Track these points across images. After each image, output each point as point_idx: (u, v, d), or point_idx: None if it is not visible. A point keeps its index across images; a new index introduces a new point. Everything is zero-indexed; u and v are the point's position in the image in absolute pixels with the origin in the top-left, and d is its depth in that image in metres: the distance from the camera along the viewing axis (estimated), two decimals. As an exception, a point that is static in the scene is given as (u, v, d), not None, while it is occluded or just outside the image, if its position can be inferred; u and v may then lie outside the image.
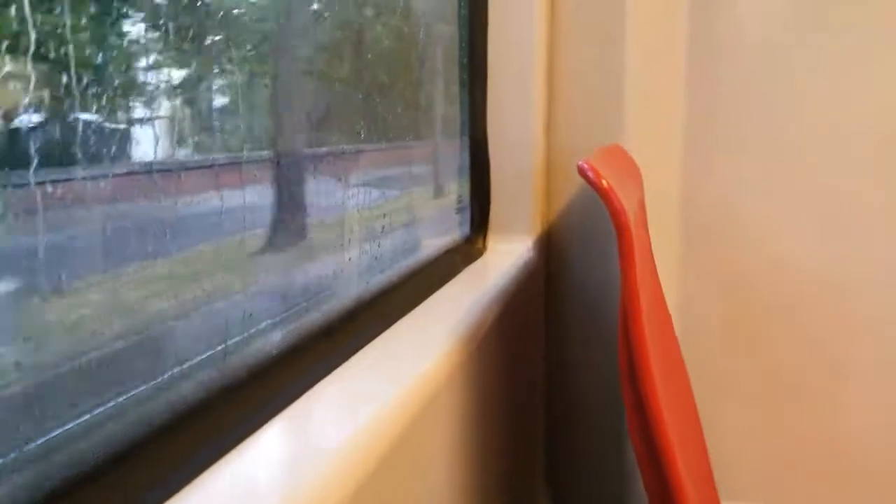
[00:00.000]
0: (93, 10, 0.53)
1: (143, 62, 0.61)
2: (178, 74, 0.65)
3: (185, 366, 0.62)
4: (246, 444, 0.58)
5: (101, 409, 0.55)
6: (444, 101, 1.47)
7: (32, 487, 0.47)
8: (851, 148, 1.45)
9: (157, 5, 0.63)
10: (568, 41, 1.44)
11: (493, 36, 1.41)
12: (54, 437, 0.50)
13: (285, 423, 0.63)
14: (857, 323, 1.49)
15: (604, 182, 0.70)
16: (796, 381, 1.51)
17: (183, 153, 0.66)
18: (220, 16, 0.71)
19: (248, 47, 0.78)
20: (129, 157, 0.58)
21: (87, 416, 0.53)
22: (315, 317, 0.85)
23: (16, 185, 0.46)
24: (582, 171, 0.71)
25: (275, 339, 0.74)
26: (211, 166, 0.68)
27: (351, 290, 0.93)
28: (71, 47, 0.48)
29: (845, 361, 1.50)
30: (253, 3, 0.83)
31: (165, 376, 0.60)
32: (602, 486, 1.48)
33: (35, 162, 0.46)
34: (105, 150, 0.53)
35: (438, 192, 1.48)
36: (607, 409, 1.44)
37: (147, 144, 0.60)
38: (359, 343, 0.83)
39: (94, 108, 0.52)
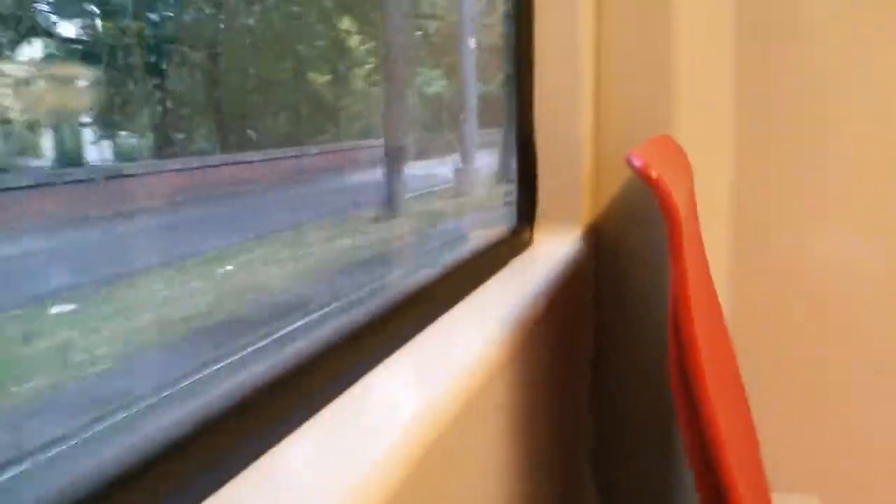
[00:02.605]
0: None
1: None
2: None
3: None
4: (298, 432, 0.60)
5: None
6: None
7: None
8: None
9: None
10: (615, 31, 1.43)
11: (540, 27, 1.40)
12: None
13: (338, 413, 0.64)
14: None
15: (652, 173, 0.69)
16: (846, 375, 1.48)
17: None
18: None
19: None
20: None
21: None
22: (364, 309, 0.86)
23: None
24: (630, 162, 0.71)
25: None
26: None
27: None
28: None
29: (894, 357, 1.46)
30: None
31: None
32: (649, 478, 1.47)
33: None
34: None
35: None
36: (655, 403, 1.42)
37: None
38: (407, 334, 0.83)
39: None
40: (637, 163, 0.70)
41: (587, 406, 1.48)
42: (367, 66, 1.02)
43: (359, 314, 0.82)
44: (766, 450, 1.31)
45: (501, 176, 1.51)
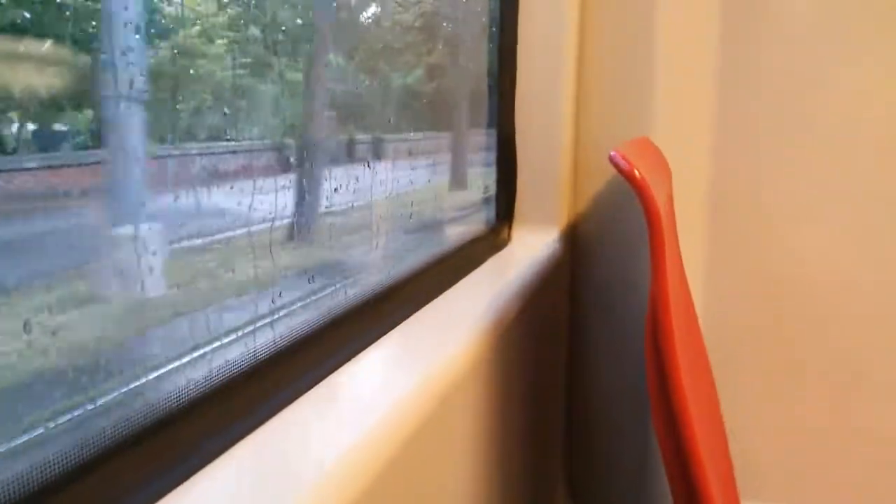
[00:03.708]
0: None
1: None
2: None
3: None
4: (264, 427, 0.58)
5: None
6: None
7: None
8: (889, 149, 1.42)
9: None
10: (598, 33, 1.43)
11: (524, 27, 1.39)
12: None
13: (305, 408, 0.63)
14: (883, 325, 1.46)
15: (636, 172, 0.68)
16: (820, 380, 1.49)
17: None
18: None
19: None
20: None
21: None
22: (338, 301, 0.84)
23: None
24: (614, 161, 0.70)
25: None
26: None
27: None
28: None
29: (869, 362, 1.47)
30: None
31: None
32: (621, 480, 1.47)
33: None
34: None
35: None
36: (629, 405, 1.42)
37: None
38: (382, 330, 0.82)
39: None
40: (621, 162, 0.69)
41: (561, 407, 1.48)
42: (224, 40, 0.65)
43: (330, 310, 0.81)
44: (734, 455, 1.32)
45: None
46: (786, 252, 1.47)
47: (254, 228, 0.64)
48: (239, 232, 0.63)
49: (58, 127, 0.52)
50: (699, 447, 0.69)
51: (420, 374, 0.72)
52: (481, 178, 1.40)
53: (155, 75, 0.58)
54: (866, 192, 1.43)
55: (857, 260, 1.45)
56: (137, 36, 0.55)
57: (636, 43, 1.40)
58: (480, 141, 1.42)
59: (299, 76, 0.83)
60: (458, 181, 1.22)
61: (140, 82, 0.56)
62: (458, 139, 1.30)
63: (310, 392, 0.65)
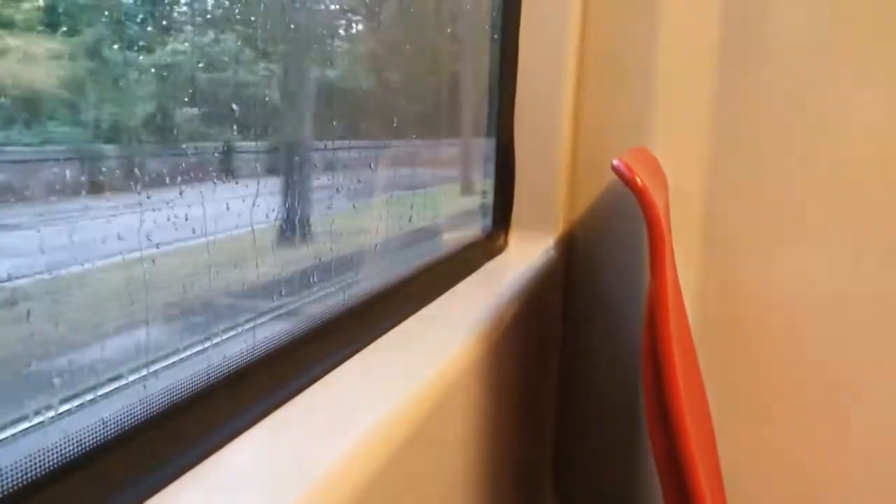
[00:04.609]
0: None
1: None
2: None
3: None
4: (255, 428, 0.58)
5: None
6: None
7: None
8: (887, 167, 1.42)
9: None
10: (598, 42, 1.43)
11: (525, 34, 1.40)
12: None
13: (296, 411, 0.62)
14: (876, 345, 1.47)
15: (638, 180, 0.68)
16: (810, 396, 1.49)
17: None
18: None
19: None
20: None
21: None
22: (332, 304, 0.84)
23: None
24: (616, 169, 0.70)
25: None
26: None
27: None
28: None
29: (860, 381, 1.48)
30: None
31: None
32: (611, 486, 1.47)
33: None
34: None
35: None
36: (622, 412, 1.42)
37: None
38: (375, 333, 0.82)
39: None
40: (624, 170, 0.69)
41: (552, 416, 1.47)
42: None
43: (322, 312, 0.80)
44: (723, 466, 1.32)
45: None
46: (781, 266, 1.48)
47: None
48: None
49: None
50: (692, 446, 0.68)
51: (413, 379, 0.71)
52: (367, 213, 0.86)
53: None
54: (864, 207, 1.44)
55: (853, 274, 1.46)
56: None
57: (636, 53, 1.41)
58: (418, 154, 1.02)
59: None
60: (291, 226, 0.73)
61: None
62: (293, 157, 0.80)
63: (299, 396, 0.65)
